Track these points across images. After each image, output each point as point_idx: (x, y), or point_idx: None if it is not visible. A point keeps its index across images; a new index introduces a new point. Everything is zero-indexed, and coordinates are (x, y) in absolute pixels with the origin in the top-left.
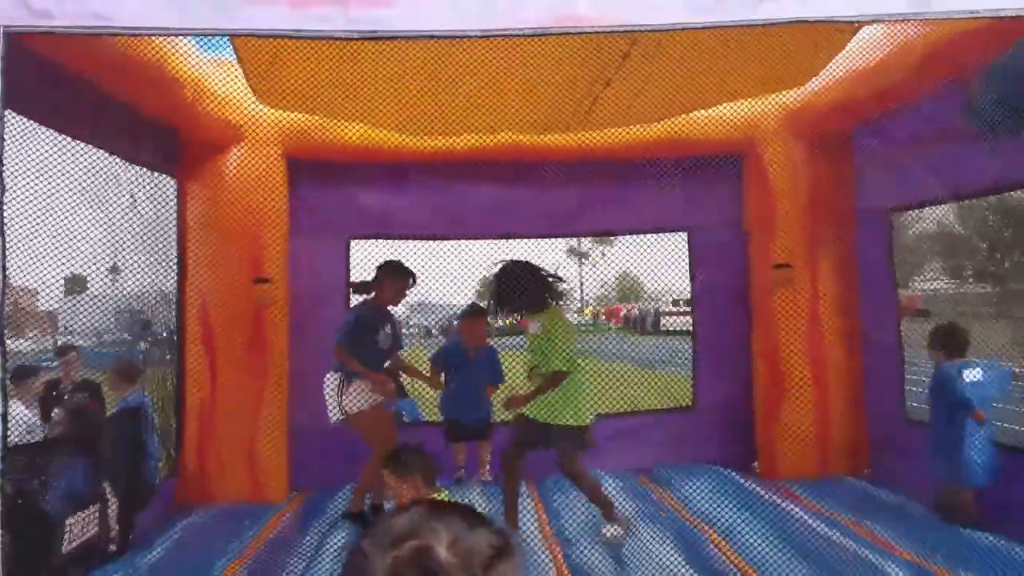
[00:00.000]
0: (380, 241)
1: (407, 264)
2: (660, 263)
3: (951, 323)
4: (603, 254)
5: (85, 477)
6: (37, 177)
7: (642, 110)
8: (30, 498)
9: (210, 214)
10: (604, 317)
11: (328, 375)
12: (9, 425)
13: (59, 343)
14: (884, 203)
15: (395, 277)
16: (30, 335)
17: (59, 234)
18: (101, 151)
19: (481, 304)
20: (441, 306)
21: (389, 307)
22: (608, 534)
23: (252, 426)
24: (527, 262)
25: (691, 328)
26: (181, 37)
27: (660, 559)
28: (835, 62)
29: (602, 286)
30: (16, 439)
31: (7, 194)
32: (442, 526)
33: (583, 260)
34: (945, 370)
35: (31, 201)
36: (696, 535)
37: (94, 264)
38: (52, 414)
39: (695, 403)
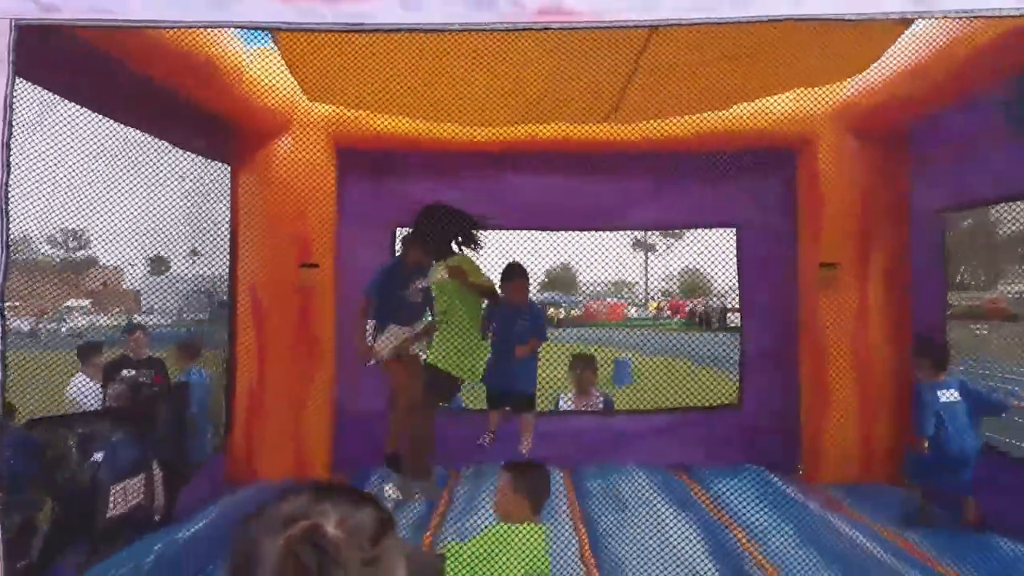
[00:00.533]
0: None
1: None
2: (726, 258)
3: (933, 336)
4: (669, 247)
5: (133, 448)
6: (109, 166)
7: (681, 102)
8: (76, 464)
9: (260, 201)
10: (668, 312)
11: (368, 322)
12: (71, 395)
13: (134, 320)
14: (938, 202)
15: (417, 238)
16: (115, 311)
17: (142, 218)
18: (160, 140)
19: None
20: None
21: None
22: (389, 491)
23: (297, 406)
24: (449, 208)
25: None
26: (224, 30)
27: (682, 552)
28: (889, 55)
29: (668, 280)
30: (72, 409)
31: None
32: (329, 507)
33: (649, 253)
34: (922, 388)
35: (109, 189)
36: (724, 533)
37: (175, 247)
38: (109, 387)
39: (741, 402)
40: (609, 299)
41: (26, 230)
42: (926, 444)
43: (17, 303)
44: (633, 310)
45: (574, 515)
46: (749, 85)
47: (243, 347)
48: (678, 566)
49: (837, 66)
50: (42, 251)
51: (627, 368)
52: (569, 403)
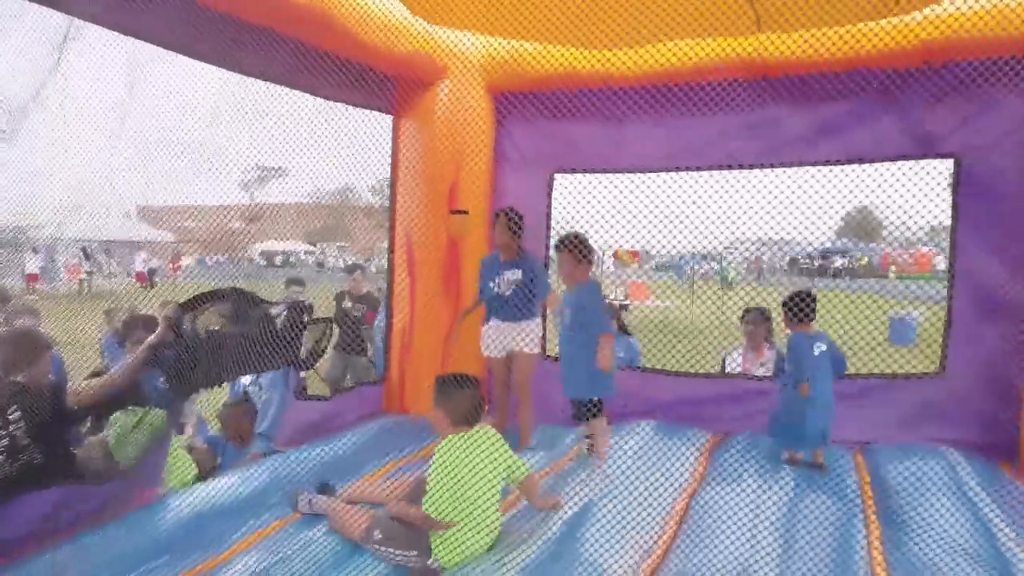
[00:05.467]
0: (582, 176)
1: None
2: None
3: (803, 291)
4: None
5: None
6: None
7: None
8: None
9: (417, 148)
10: None
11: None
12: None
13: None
14: None
15: (497, 224)
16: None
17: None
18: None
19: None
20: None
21: (519, 254)
22: None
23: (443, 349)
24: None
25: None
26: None
27: (755, 542)
28: None
29: None
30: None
31: None
32: None
33: None
34: (797, 338)
35: None
36: (852, 525)
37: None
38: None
39: (945, 368)
40: (922, 247)
41: (351, 181)
42: (805, 389)
43: (345, 243)
44: (942, 259)
45: (692, 483)
46: None
47: (398, 288)
48: (727, 554)
49: None
50: (365, 199)
51: (907, 327)
52: (737, 363)
